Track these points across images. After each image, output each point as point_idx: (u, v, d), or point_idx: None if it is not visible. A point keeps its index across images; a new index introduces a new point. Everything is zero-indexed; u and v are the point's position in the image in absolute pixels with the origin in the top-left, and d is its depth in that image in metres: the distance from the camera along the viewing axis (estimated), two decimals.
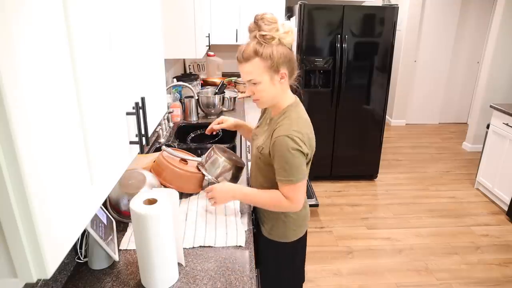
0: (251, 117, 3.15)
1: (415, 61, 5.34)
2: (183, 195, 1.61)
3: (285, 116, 1.29)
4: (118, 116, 0.82)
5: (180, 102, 2.73)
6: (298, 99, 1.38)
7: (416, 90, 5.52)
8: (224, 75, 4.04)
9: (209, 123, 2.68)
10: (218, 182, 1.59)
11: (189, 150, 2.14)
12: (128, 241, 1.29)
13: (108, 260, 1.17)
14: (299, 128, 1.24)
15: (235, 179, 1.66)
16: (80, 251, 1.18)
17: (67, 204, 0.59)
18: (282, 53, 1.22)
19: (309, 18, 3.25)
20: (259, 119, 1.56)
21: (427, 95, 5.55)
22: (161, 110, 1.27)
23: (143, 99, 0.92)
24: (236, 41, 3.62)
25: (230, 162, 1.63)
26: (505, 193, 3.22)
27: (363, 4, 3.82)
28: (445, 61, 5.38)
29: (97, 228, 1.12)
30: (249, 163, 2.15)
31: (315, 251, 2.70)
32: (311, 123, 1.35)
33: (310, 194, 3.13)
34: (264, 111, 1.52)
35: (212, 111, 2.78)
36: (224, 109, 2.95)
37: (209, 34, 3.01)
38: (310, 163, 1.34)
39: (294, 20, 3.47)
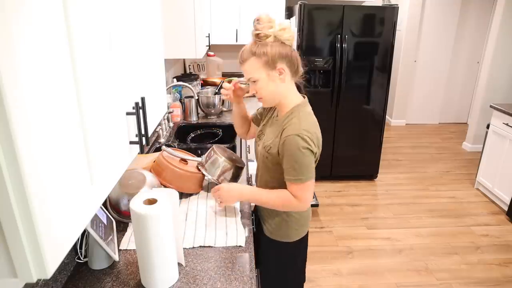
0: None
1: (415, 61, 5.34)
2: (183, 195, 1.61)
3: (294, 116, 1.29)
4: (118, 116, 0.82)
5: (180, 102, 2.73)
6: (306, 99, 1.38)
7: (416, 90, 5.52)
8: (224, 75, 4.04)
9: (209, 123, 2.70)
10: (219, 182, 1.59)
11: (189, 150, 2.14)
12: (128, 241, 1.29)
13: (108, 260, 1.17)
14: (308, 127, 1.25)
15: (235, 179, 1.66)
16: (80, 251, 1.18)
17: (67, 204, 0.59)
18: (278, 50, 1.23)
19: (309, 18, 3.25)
20: (263, 119, 1.54)
21: (427, 95, 5.55)
22: (161, 110, 1.27)
23: (143, 99, 0.92)
24: (236, 41, 3.62)
25: (230, 162, 1.63)
26: (505, 193, 3.22)
27: (363, 4, 3.82)
28: (445, 61, 5.38)
29: (97, 228, 1.12)
30: (249, 163, 2.16)
31: (315, 251, 2.70)
32: (318, 124, 1.35)
33: None
34: (269, 110, 1.51)
35: (212, 111, 2.78)
36: (224, 109, 2.95)
37: (209, 34, 3.01)
38: (317, 162, 1.34)
39: (294, 20, 3.47)
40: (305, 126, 1.25)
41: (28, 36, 0.49)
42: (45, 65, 0.53)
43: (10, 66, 0.44)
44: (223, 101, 2.83)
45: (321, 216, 3.17)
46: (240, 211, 1.50)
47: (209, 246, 1.27)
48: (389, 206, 3.36)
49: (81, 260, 1.18)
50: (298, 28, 3.31)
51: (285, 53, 1.25)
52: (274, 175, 1.36)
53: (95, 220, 1.13)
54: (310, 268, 2.52)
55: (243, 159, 2.06)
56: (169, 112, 2.55)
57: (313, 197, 3.09)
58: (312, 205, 3.03)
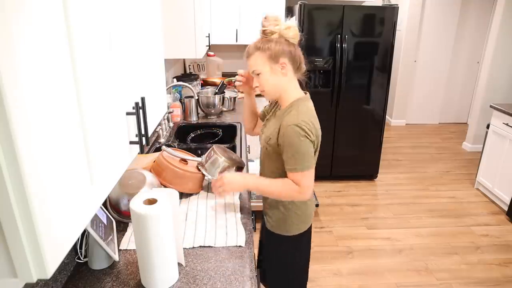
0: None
1: (415, 61, 5.34)
2: (183, 195, 1.61)
3: (293, 108, 1.34)
4: (118, 116, 0.82)
5: (180, 102, 2.73)
6: (308, 95, 1.43)
7: (416, 90, 5.52)
8: (224, 75, 4.04)
9: (209, 123, 2.69)
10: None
11: (189, 150, 2.14)
12: (128, 241, 1.29)
13: (108, 260, 1.17)
14: (306, 118, 1.30)
15: None
16: (80, 251, 1.18)
17: (67, 204, 0.59)
18: (281, 46, 1.30)
19: (309, 18, 3.25)
20: (267, 114, 1.57)
21: (427, 95, 5.55)
22: (161, 110, 1.27)
23: (143, 99, 0.92)
24: (236, 41, 3.62)
25: (230, 162, 1.63)
26: (505, 193, 3.22)
27: (363, 4, 3.82)
28: (445, 61, 5.39)
29: (97, 228, 1.12)
30: (249, 163, 2.16)
31: (315, 251, 2.70)
32: (316, 117, 1.40)
33: None
34: (273, 106, 1.54)
35: (212, 111, 2.78)
36: (224, 109, 2.95)
37: (209, 34, 3.01)
38: (317, 153, 1.39)
39: (294, 20, 3.47)
40: (303, 117, 1.30)
41: (28, 36, 0.49)
42: (45, 65, 0.53)
43: (10, 66, 0.45)
44: (223, 101, 2.83)
45: (321, 216, 3.17)
46: (240, 210, 1.51)
47: (209, 246, 1.27)
48: (389, 206, 3.36)
49: (81, 260, 1.18)
50: (298, 28, 3.31)
51: (288, 50, 1.32)
52: (277, 166, 1.40)
53: (95, 220, 1.13)
54: (310, 268, 2.51)
55: (243, 159, 2.06)
56: (169, 112, 2.55)
57: (313, 197, 3.09)
58: None
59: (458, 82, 5.55)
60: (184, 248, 1.25)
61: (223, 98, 2.83)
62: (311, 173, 1.32)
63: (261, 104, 1.72)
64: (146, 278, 1.06)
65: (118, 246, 1.27)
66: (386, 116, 3.72)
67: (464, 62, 5.45)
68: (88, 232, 1.09)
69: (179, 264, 1.17)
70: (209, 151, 1.68)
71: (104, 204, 1.39)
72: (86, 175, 0.66)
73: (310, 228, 1.54)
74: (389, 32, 3.33)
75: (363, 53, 3.40)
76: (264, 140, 1.42)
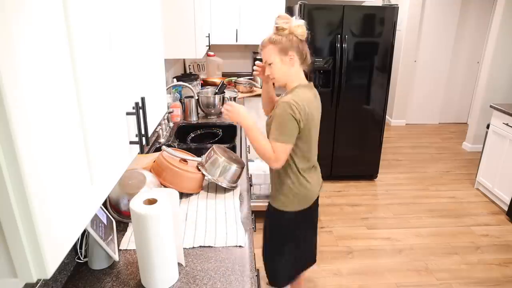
0: (251, 117, 3.14)
1: (415, 61, 5.34)
2: (183, 195, 1.61)
3: (292, 92, 1.54)
4: (118, 116, 0.82)
5: (180, 102, 2.73)
6: (311, 84, 1.62)
7: (416, 90, 5.52)
8: (224, 75, 4.04)
9: (209, 123, 2.69)
10: (219, 182, 1.60)
11: (189, 150, 2.14)
12: (128, 241, 1.29)
13: (108, 260, 1.17)
14: (298, 100, 1.48)
15: (235, 179, 1.66)
16: (80, 251, 1.18)
17: (67, 204, 0.59)
18: (291, 40, 1.50)
19: (309, 18, 3.25)
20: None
21: (427, 95, 5.55)
22: (161, 110, 1.27)
23: (143, 99, 0.92)
24: (236, 41, 3.62)
25: (230, 162, 1.63)
26: (505, 193, 3.22)
27: (363, 4, 3.82)
28: (445, 61, 5.38)
29: (97, 228, 1.12)
30: (249, 163, 2.16)
31: None
32: (316, 106, 1.60)
33: None
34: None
35: (212, 111, 2.78)
36: None
37: (209, 34, 3.01)
38: (311, 139, 1.59)
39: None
40: (295, 98, 1.49)
41: (28, 36, 0.49)
42: (45, 65, 0.53)
43: (10, 66, 0.45)
44: (223, 101, 2.83)
45: (321, 216, 3.17)
46: (240, 210, 1.51)
47: (209, 246, 1.27)
48: (389, 206, 3.36)
49: (81, 260, 1.18)
50: None
51: (296, 44, 1.52)
52: None
53: (95, 220, 1.13)
54: (310, 268, 2.52)
55: (243, 159, 2.06)
56: (169, 112, 2.55)
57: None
58: None
59: (458, 82, 5.55)
60: (184, 248, 1.25)
61: (223, 98, 2.83)
62: (288, 147, 1.50)
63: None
64: (146, 278, 1.06)
65: (118, 246, 1.27)
66: (386, 116, 3.72)
67: (464, 62, 5.45)
68: (88, 232, 1.09)
69: (179, 264, 1.17)
70: (209, 151, 1.68)
71: (104, 204, 1.39)
72: (86, 175, 0.66)
73: (308, 211, 1.70)
74: (389, 32, 3.33)
75: (363, 53, 3.40)
76: (266, 120, 1.63)
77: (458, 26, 5.23)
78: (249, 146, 2.44)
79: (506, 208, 3.21)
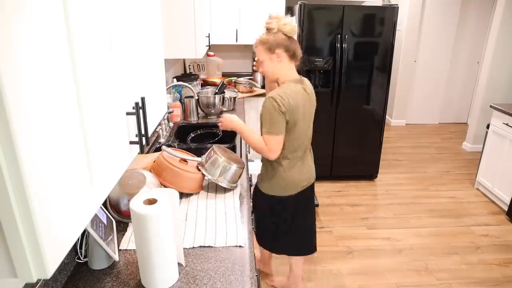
0: (251, 116, 3.15)
1: (415, 61, 5.34)
2: (183, 195, 1.61)
3: (280, 87, 1.66)
4: (118, 116, 0.82)
5: (180, 102, 2.73)
6: (301, 78, 1.72)
7: (416, 90, 5.52)
8: (224, 75, 4.04)
9: (209, 123, 2.70)
10: (219, 182, 1.60)
11: (189, 150, 2.15)
12: (128, 241, 1.29)
13: (108, 260, 1.17)
14: (283, 94, 1.60)
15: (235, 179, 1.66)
16: (80, 251, 1.18)
17: (67, 204, 0.59)
18: (277, 39, 1.62)
19: (309, 18, 3.25)
20: None
21: (427, 95, 5.55)
22: (161, 110, 1.27)
23: (143, 99, 0.92)
24: (236, 41, 3.62)
25: (230, 162, 1.63)
26: (505, 193, 3.22)
27: (363, 4, 3.82)
28: (445, 61, 5.38)
29: (97, 228, 1.12)
30: (249, 163, 2.17)
31: None
32: (306, 99, 1.69)
33: None
34: None
35: (212, 111, 2.78)
36: (224, 109, 2.95)
37: (209, 34, 3.01)
38: (296, 128, 1.67)
39: (294, 20, 3.47)
40: (280, 93, 1.60)
41: (28, 36, 0.49)
42: (45, 65, 0.53)
43: (10, 66, 0.45)
44: (223, 101, 2.83)
45: (321, 216, 3.17)
46: (240, 211, 1.51)
47: (209, 246, 1.27)
48: (389, 206, 3.36)
49: (81, 260, 1.18)
50: (298, 28, 3.31)
51: (284, 42, 1.62)
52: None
53: (95, 220, 1.13)
54: (310, 268, 2.52)
55: (243, 159, 2.06)
56: (169, 112, 2.55)
57: (313, 197, 3.09)
58: None
59: (458, 82, 5.55)
60: (184, 248, 1.25)
61: (223, 98, 2.83)
62: (278, 138, 1.63)
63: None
64: (146, 278, 1.06)
65: (118, 246, 1.27)
66: (386, 116, 3.72)
67: (464, 62, 5.45)
68: (88, 232, 1.09)
69: (179, 264, 1.17)
70: (209, 151, 1.68)
71: (104, 204, 1.39)
72: (86, 175, 0.66)
73: (295, 198, 1.81)
74: (389, 32, 3.33)
75: (363, 53, 3.40)
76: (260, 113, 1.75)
77: (458, 26, 5.23)
78: (249, 146, 2.44)
79: (506, 208, 3.21)
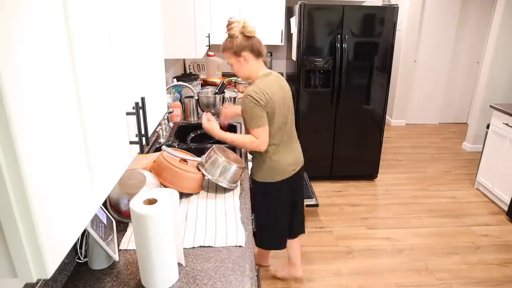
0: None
1: (415, 61, 5.34)
2: (183, 195, 1.61)
3: (254, 83, 1.78)
4: (118, 116, 0.82)
5: (180, 102, 2.73)
6: (271, 71, 1.86)
7: (416, 90, 5.52)
8: (224, 75, 4.04)
9: None
10: (219, 182, 1.60)
11: (189, 150, 2.15)
12: (128, 241, 1.29)
13: (108, 260, 1.17)
14: (257, 89, 1.72)
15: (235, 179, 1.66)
16: (80, 251, 1.18)
17: (67, 204, 0.59)
18: (240, 43, 1.74)
19: (309, 18, 3.25)
20: None
21: (427, 95, 5.55)
22: (161, 110, 1.27)
23: (143, 99, 0.92)
24: None
25: (230, 162, 1.63)
26: (505, 193, 3.22)
27: (363, 4, 3.82)
28: (445, 61, 5.39)
29: (97, 228, 1.12)
30: (249, 163, 2.18)
31: (315, 251, 2.70)
32: (279, 86, 1.81)
33: (310, 194, 3.13)
34: None
35: (212, 111, 2.78)
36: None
37: (209, 34, 3.01)
38: (277, 115, 1.80)
39: (294, 20, 3.47)
40: (255, 88, 1.73)
41: (28, 36, 0.49)
42: (45, 65, 0.53)
43: (10, 66, 0.45)
44: (223, 101, 2.83)
45: (321, 216, 3.17)
46: (240, 210, 1.51)
47: (209, 246, 1.27)
48: (389, 206, 3.36)
49: (81, 260, 1.18)
50: (298, 28, 3.31)
51: (246, 44, 1.74)
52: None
53: (95, 220, 1.13)
54: (310, 268, 2.52)
55: (243, 159, 2.06)
56: (169, 112, 2.55)
57: (313, 197, 3.09)
58: (312, 205, 3.05)
59: (458, 82, 5.55)
60: (184, 248, 1.25)
61: (223, 98, 2.83)
62: (264, 128, 1.76)
63: None
64: (146, 278, 1.06)
65: (118, 246, 1.27)
66: (386, 116, 3.72)
67: (464, 62, 5.45)
68: (88, 232, 1.09)
69: (179, 264, 1.17)
70: (209, 151, 1.68)
71: (104, 204, 1.39)
72: (86, 175, 0.66)
73: (285, 183, 1.93)
74: (389, 32, 3.33)
75: (363, 53, 3.40)
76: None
77: (458, 26, 5.23)
78: None
79: (506, 208, 3.21)
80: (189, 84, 2.80)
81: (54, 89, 0.55)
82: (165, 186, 1.54)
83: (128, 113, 0.88)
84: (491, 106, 3.40)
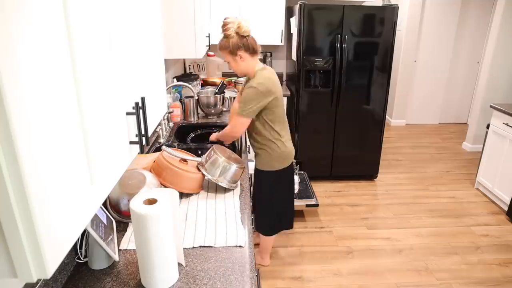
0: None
1: (415, 61, 5.34)
2: (183, 195, 1.61)
3: (254, 78, 1.89)
4: (118, 116, 0.82)
5: (180, 102, 2.73)
6: (265, 66, 1.96)
7: (416, 90, 5.52)
8: (224, 75, 4.04)
9: (209, 123, 2.70)
10: (219, 182, 1.60)
11: (189, 150, 2.15)
12: (128, 241, 1.29)
13: (108, 260, 1.17)
14: (260, 82, 1.84)
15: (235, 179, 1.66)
16: (80, 251, 1.18)
17: (67, 204, 0.59)
18: (236, 42, 1.82)
19: (309, 18, 3.25)
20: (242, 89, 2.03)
21: (427, 95, 5.55)
22: (161, 110, 1.27)
23: (143, 99, 0.92)
24: None
25: (230, 162, 1.63)
26: (505, 193, 3.22)
27: (363, 4, 3.82)
28: (445, 61, 5.39)
29: (97, 228, 1.12)
30: (249, 163, 2.18)
31: (315, 251, 2.70)
32: (275, 82, 1.91)
33: (310, 194, 3.13)
34: (245, 82, 2.04)
35: (212, 111, 2.78)
36: (224, 109, 2.95)
37: (209, 34, 3.01)
38: (278, 109, 1.94)
39: (294, 20, 3.47)
40: (259, 81, 1.84)
41: (28, 36, 0.49)
42: (45, 65, 0.53)
43: (10, 66, 0.45)
44: (223, 101, 2.83)
45: (321, 216, 3.17)
46: (240, 210, 1.51)
47: (209, 246, 1.27)
48: (389, 206, 3.36)
49: (81, 260, 1.18)
50: (298, 28, 3.31)
51: (242, 43, 1.83)
52: (251, 125, 1.99)
53: (95, 220, 1.13)
54: (310, 268, 2.52)
55: (243, 159, 2.06)
56: (169, 112, 2.55)
57: (313, 197, 3.09)
58: (312, 205, 3.04)
59: (458, 82, 5.55)
60: (184, 248, 1.25)
61: (223, 98, 2.83)
62: (246, 121, 1.88)
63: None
64: (146, 278, 1.06)
65: (118, 246, 1.27)
66: (386, 116, 3.72)
67: (464, 62, 5.45)
68: (88, 232, 1.09)
69: (179, 264, 1.17)
70: (209, 151, 1.68)
71: (104, 204, 1.39)
72: (86, 175, 0.66)
73: (286, 171, 2.09)
74: (389, 32, 3.33)
75: (363, 53, 3.40)
76: (238, 104, 1.95)
77: (458, 26, 5.23)
78: (249, 146, 2.44)
79: (506, 208, 3.21)
80: (189, 84, 2.80)
81: (54, 89, 0.55)
82: (165, 186, 1.54)
83: (128, 113, 0.88)
84: (491, 106, 3.40)
